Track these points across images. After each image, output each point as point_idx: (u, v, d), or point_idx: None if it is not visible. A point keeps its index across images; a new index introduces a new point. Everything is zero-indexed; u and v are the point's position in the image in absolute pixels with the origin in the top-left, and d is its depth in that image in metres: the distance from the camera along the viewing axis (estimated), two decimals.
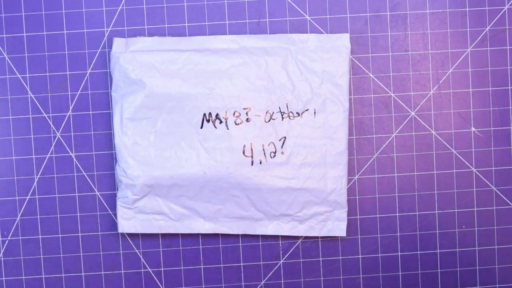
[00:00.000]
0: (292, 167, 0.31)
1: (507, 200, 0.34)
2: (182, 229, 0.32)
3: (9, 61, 0.33)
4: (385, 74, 0.33)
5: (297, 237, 0.33)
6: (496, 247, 0.34)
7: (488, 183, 0.34)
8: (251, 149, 0.31)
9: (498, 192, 0.34)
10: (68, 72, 0.33)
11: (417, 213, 0.34)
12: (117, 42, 0.32)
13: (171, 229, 0.32)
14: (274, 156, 0.31)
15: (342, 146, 0.32)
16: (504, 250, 0.34)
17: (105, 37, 0.33)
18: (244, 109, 0.31)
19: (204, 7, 0.33)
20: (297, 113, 0.32)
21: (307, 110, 0.32)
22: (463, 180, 0.33)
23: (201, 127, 0.31)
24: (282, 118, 0.32)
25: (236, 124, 0.31)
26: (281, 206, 0.32)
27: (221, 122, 0.31)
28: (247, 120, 0.31)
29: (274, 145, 0.31)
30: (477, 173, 0.34)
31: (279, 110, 0.32)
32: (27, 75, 0.33)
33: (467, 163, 0.33)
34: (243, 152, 0.31)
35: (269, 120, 0.32)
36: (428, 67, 0.33)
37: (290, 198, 0.31)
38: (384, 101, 0.33)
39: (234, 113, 0.31)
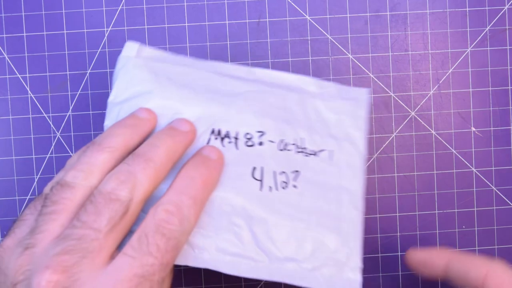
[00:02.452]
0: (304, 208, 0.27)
1: (507, 200, 0.34)
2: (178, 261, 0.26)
3: (9, 61, 0.33)
4: (385, 74, 0.33)
5: None
6: (496, 247, 0.34)
7: (488, 183, 0.34)
8: (261, 172, 0.27)
9: (498, 192, 0.34)
10: (68, 72, 0.33)
11: (417, 213, 0.34)
12: (129, 46, 0.28)
13: None
14: (285, 188, 0.27)
15: (357, 202, 0.28)
16: (504, 250, 0.34)
17: (105, 37, 0.33)
18: (258, 132, 0.27)
19: (204, 7, 0.33)
20: (312, 151, 0.28)
21: (322, 150, 0.28)
22: (463, 180, 0.33)
23: (207, 143, 0.27)
24: (297, 152, 0.28)
25: (247, 146, 0.27)
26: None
27: (230, 141, 0.27)
28: (260, 143, 0.27)
29: (287, 176, 0.27)
30: (477, 173, 0.34)
31: (294, 143, 0.28)
32: (27, 75, 0.33)
33: (467, 163, 0.33)
34: (252, 174, 0.27)
35: (282, 149, 0.28)
36: (428, 67, 0.33)
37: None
38: (384, 101, 0.33)
39: (246, 135, 0.27)
